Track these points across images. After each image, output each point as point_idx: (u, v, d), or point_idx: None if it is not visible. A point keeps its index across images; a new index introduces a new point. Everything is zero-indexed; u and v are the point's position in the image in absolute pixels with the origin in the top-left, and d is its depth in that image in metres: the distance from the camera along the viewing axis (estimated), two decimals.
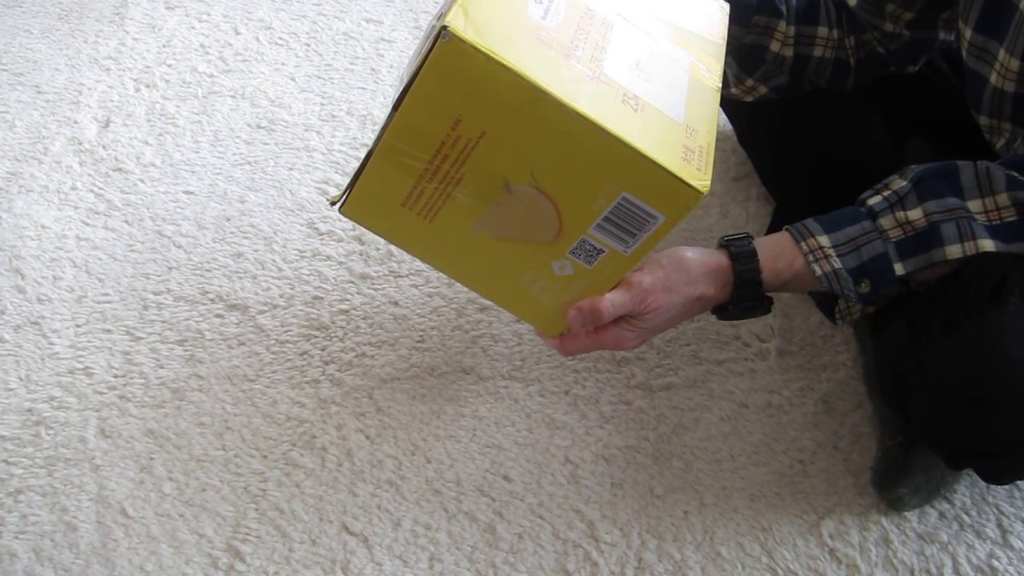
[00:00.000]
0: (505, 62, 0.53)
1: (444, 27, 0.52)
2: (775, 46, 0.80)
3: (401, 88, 0.56)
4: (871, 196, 0.67)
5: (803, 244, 0.66)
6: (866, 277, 0.65)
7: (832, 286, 0.66)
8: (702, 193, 0.58)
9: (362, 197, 0.62)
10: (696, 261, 0.67)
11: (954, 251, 0.63)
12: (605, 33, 0.61)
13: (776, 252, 0.67)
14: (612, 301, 0.65)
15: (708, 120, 0.62)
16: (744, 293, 0.68)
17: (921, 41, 0.80)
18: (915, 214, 0.64)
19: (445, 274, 0.69)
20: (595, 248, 0.62)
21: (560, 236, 0.62)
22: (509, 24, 0.56)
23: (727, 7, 0.72)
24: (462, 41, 0.52)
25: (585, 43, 0.59)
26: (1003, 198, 0.62)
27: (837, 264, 0.65)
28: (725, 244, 0.69)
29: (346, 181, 1.14)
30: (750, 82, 0.85)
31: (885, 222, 0.64)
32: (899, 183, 0.66)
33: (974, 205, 0.63)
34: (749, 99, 0.88)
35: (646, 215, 0.60)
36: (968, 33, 0.68)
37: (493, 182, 0.59)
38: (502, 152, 0.58)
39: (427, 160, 0.59)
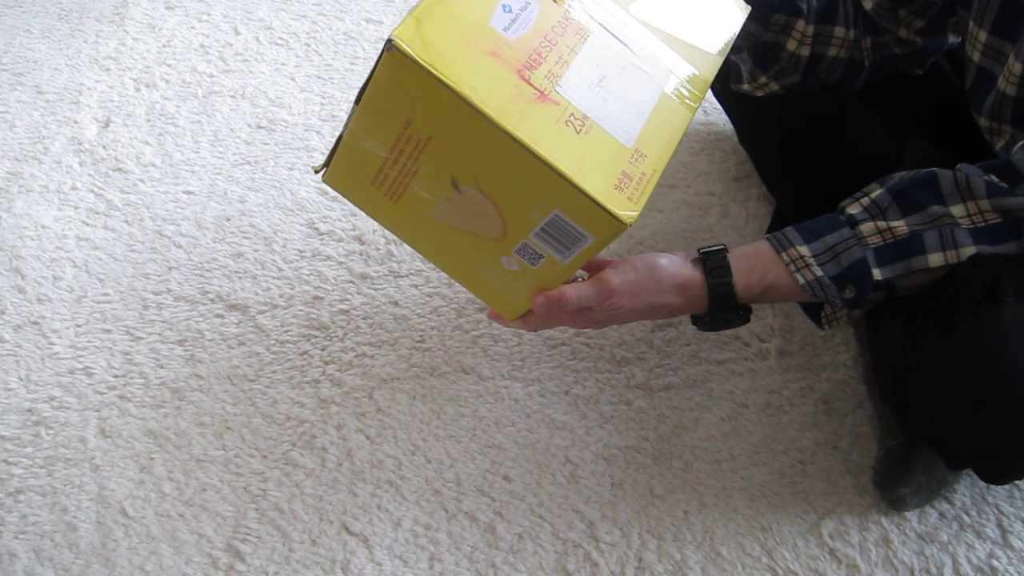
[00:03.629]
0: (443, 78, 0.56)
1: (390, 39, 0.55)
2: (792, 45, 0.80)
3: (365, 81, 0.59)
4: (851, 204, 0.67)
5: (784, 255, 0.67)
6: (849, 283, 0.65)
7: (816, 294, 0.66)
8: (626, 224, 0.59)
9: (338, 170, 0.67)
10: (668, 272, 0.68)
11: (936, 259, 0.63)
12: (576, 45, 0.62)
13: (749, 265, 0.68)
14: (578, 294, 0.67)
15: (666, 143, 0.63)
16: (718, 306, 0.69)
17: (931, 45, 0.81)
18: (896, 223, 0.64)
19: (413, 249, 0.73)
20: (536, 253, 0.65)
21: (505, 236, 0.64)
22: (462, 36, 0.58)
23: (747, 10, 0.72)
24: (404, 55, 0.55)
25: (548, 57, 0.61)
26: (985, 203, 0.62)
27: (819, 272, 0.65)
28: (700, 257, 0.69)
29: None
30: (763, 79, 0.85)
31: (865, 229, 0.65)
32: (878, 191, 0.66)
33: (957, 210, 0.63)
34: (759, 94, 0.88)
35: (577, 233, 0.62)
36: (983, 36, 0.68)
37: (443, 180, 0.62)
38: (448, 156, 0.61)
39: (386, 151, 0.62)
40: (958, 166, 0.64)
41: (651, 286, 0.68)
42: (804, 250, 0.66)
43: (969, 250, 0.62)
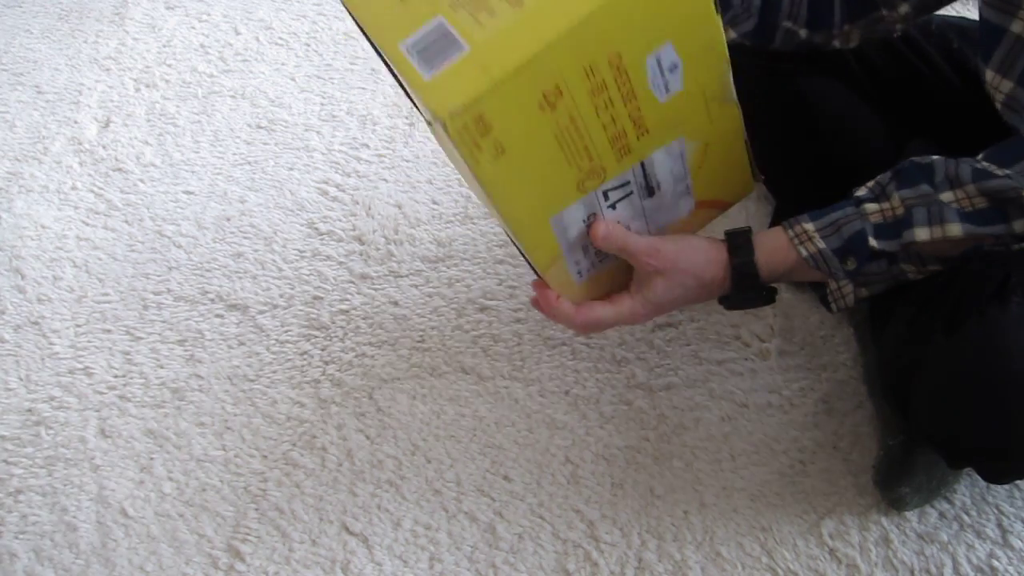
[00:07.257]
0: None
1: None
2: None
3: None
4: (859, 188, 0.69)
5: (790, 231, 0.69)
6: (850, 255, 0.67)
7: (819, 266, 0.68)
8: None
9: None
10: (703, 246, 0.70)
11: (922, 233, 0.64)
12: None
13: (772, 247, 0.70)
14: (630, 234, 0.67)
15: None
16: (742, 284, 0.70)
17: None
18: (894, 201, 0.66)
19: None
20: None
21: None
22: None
23: None
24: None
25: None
26: (971, 188, 0.63)
27: (821, 244, 0.67)
28: (725, 237, 0.71)
29: (346, 181, 1.14)
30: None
31: (868, 207, 0.67)
32: (884, 175, 0.68)
33: (946, 196, 0.64)
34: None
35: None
36: None
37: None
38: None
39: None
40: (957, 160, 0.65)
41: (693, 257, 0.69)
42: (809, 226, 0.68)
43: (954, 227, 0.64)
